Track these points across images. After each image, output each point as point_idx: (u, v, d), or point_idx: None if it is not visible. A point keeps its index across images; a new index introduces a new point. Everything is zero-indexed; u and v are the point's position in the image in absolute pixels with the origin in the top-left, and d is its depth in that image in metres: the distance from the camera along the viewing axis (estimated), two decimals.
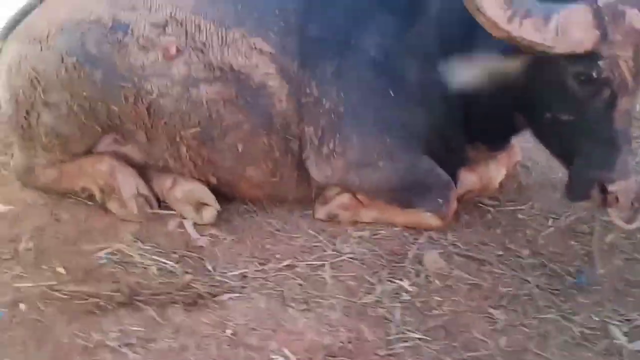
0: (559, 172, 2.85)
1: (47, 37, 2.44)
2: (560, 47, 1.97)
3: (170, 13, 2.45)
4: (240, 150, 2.51)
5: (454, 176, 2.59)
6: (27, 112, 2.52)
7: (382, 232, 2.58)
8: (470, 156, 2.65)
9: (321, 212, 2.62)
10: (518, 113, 2.41)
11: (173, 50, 2.42)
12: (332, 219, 2.61)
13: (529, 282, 2.31)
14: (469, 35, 2.28)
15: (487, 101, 2.39)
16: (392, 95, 2.43)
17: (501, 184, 2.81)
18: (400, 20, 2.44)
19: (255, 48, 2.44)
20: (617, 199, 2.10)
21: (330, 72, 2.43)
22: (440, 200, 2.51)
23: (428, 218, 2.54)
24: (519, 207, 2.77)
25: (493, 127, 2.52)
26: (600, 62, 2.00)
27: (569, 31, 1.96)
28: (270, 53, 2.44)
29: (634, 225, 2.28)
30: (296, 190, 2.65)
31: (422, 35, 2.42)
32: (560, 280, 2.34)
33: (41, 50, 2.45)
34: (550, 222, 2.68)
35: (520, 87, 2.28)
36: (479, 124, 2.50)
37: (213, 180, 2.63)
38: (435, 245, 2.50)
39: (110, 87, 2.41)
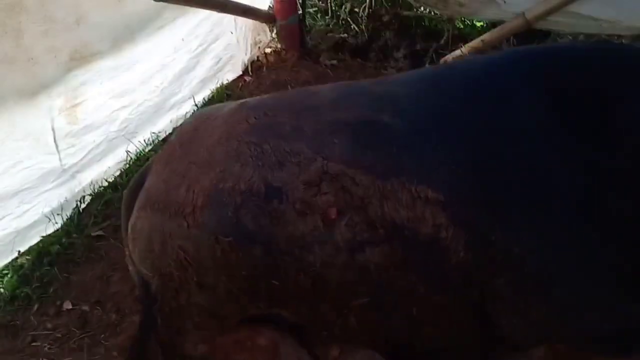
0: None
1: (193, 212, 2.20)
2: None
3: (322, 167, 2.18)
4: (414, 313, 2.19)
5: None
6: (176, 292, 2.29)
7: None
8: None
9: None
10: None
11: (333, 214, 2.13)
12: None
13: None
14: None
15: None
16: (596, 235, 2.08)
17: None
18: (594, 146, 2.11)
19: (420, 197, 2.12)
20: None
21: (519, 216, 2.10)
22: None
23: None
24: None
25: None
26: None
27: None
28: (439, 200, 2.12)
29: None
30: (474, 339, 2.30)
31: (621, 162, 2.08)
32: None
33: (188, 227, 2.20)
34: None
35: None
36: None
37: (383, 345, 2.31)
38: None
39: (271, 262, 2.15)
